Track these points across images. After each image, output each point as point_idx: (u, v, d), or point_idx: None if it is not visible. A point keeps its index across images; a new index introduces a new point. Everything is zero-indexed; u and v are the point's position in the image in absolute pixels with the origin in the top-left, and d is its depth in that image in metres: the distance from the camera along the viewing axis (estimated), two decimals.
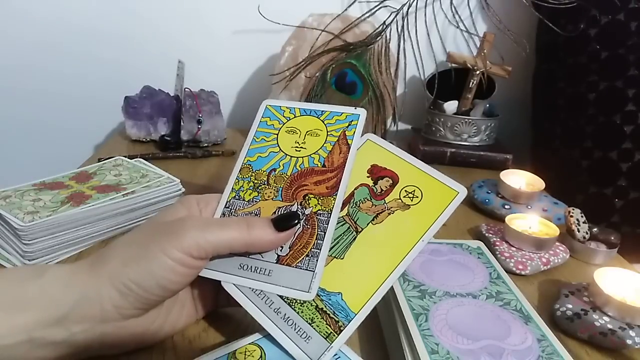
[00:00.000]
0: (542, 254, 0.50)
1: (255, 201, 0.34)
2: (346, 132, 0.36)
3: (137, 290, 0.28)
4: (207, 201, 0.35)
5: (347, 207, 0.34)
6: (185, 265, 0.29)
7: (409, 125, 0.97)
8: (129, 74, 0.95)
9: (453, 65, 0.86)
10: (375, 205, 0.34)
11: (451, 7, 0.88)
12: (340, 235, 0.33)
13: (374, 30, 0.76)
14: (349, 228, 0.33)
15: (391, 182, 0.35)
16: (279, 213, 0.33)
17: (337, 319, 0.30)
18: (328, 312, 0.30)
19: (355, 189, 0.35)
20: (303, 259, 0.31)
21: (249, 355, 0.32)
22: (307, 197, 0.33)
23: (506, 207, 0.61)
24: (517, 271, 0.48)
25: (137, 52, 0.95)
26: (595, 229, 0.55)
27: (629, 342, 0.37)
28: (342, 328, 0.30)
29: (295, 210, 0.33)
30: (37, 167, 1.01)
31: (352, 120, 0.37)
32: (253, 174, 0.35)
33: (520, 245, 0.50)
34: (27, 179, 0.51)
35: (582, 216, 0.55)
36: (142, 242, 0.30)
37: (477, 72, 0.83)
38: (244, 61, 0.97)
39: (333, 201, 0.33)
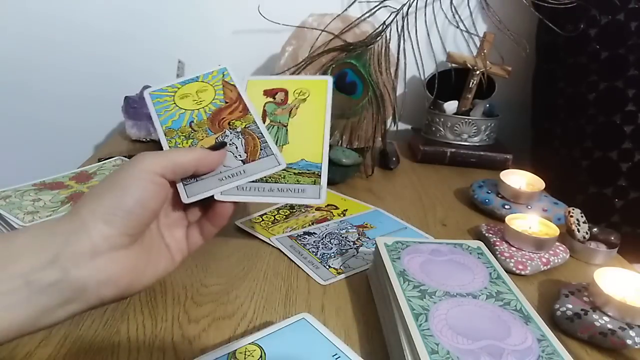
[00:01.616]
0: (542, 254, 0.50)
1: (194, 144, 0.41)
2: (224, 79, 0.45)
3: (119, 212, 0.31)
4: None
5: (267, 118, 0.44)
6: (154, 181, 0.33)
7: (409, 125, 0.97)
8: (129, 74, 0.95)
9: (453, 65, 0.86)
10: (284, 109, 0.45)
11: (451, 7, 0.88)
12: (276, 133, 0.44)
13: (374, 30, 0.76)
14: (278, 127, 0.44)
15: (284, 93, 0.46)
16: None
17: (312, 171, 0.41)
18: (303, 171, 0.41)
19: (264, 107, 0.45)
20: (259, 152, 0.41)
21: (249, 355, 0.32)
22: (231, 123, 0.42)
23: (506, 207, 0.61)
24: (517, 271, 0.48)
25: (137, 52, 0.95)
26: (595, 229, 0.55)
27: (629, 342, 0.37)
28: (319, 174, 0.41)
29: (223, 137, 0.42)
30: (37, 167, 1.01)
31: (224, 72, 0.46)
32: (177, 131, 0.42)
33: (520, 245, 0.50)
34: (27, 179, 0.51)
35: (582, 216, 0.55)
36: (110, 178, 0.33)
37: (477, 72, 0.83)
38: (244, 61, 0.97)
39: (251, 116, 0.43)
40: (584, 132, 0.79)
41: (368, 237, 0.53)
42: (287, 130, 0.44)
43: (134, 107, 0.81)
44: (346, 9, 0.87)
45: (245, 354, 0.32)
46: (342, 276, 0.46)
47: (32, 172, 0.59)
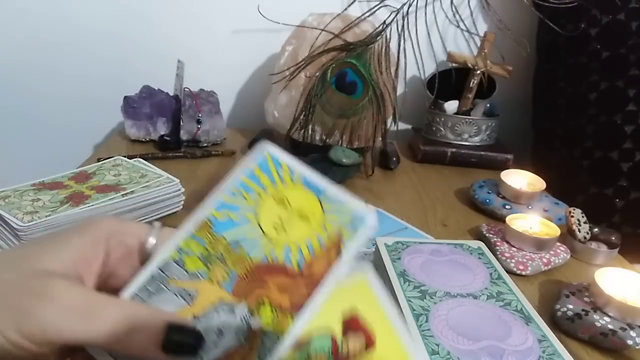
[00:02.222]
0: (542, 254, 0.49)
1: (198, 278, 0.26)
2: (343, 233, 0.27)
3: None
4: (124, 235, 0.26)
5: (295, 353, 0.25)
6: (22, 351, 0.21)
7: (410, 125, 0.97)
8: (129, 74, 0.95)
9: (453, 64, 0.86)
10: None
11: (451, 7, 0.88)
12: None
13: (374, 30, 0.76)
14: None
15: (364, 346, 0.26)
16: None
17: None
18: None
19: (316, 333, 0.26)
20: None
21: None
22: (261, 303, 0.26)
23: (507, 207, 0.61)
24: (518, 271, 0.48)
25: (137, 52, 0.95)
26: (596, 229, 0.55)
27: (629, 342, 0.37)
28: None
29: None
30: (36, 167, 1.01)
31: (356, 223, 0.27)
32: (210, 237, 0.27)
33: (521, 246, 0.50)
34: (26, 179, 0.51)
35: (582, 216, 0.55)
36: None
37: (478, 71, 0.83)
38: (244, 61, 0.97)
39: (290, 323, 0.25)
40: (585, 132, 0.79)
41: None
42: None
43: (133, 107, 0.81)
44: (346, 9, 0.87)
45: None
46: None
47: (32, 172, 0.58)
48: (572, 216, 0.54)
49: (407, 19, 0.81)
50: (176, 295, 0.25)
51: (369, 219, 0.27)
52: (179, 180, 0.54)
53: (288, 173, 0.29)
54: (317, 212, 0.28)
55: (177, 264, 0.26)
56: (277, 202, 0.28)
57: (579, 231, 0.53)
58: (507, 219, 0.53)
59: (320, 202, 0.28)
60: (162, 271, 0.26)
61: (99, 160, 0.62)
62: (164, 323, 0.23)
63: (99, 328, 0.21)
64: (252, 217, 0.28)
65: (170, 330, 0.22)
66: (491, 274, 0.40)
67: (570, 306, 0.41)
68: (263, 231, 0.27)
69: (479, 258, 0.42)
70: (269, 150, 0.29)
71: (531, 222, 0.53)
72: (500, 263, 0.43)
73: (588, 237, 0.54)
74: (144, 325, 0.22)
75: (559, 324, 0.41)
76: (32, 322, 0.21)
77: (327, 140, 0.73)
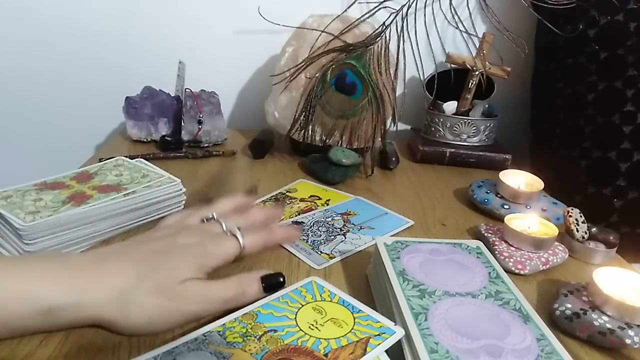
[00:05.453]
0: (541, 254, 0.50)
1: (233, 347, 0.31)
2: (371, 339, 0.31)
3: None
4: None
5: None
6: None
7: (409, 126, 0.97)
8: (130, 75, 0.95)
9: (452, 65, 0.86)
10: None
11: (450, 8, 0.88)
12: None
13: (374, 31, 0.76)
14: None
15: None
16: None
17: None
18: None
19: None
20: None
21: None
22: None
23: (505, 207, 0.61)
24: (516, 271, 0.48)
25: (138, 53, 0.95)
26: (594, 229, 0.55)
27: (627, 341, 0.37)
28: None
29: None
30: (38, 167, 1.01)
31: (385, 333, 0.32)
32: (253, 324, 0.33)
33: (520, 245, 0.51)
34: (28, 179, 0.51)
35: (581, 216, 0.55)
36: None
37: (477, 72, 0.83)
38: (245, 62, 0.98)
39: None
40: (583, 132, 0.80)
41: (353, 224, 0.56)
42: None
43: (135, 107, 0.81)
44: (346, 10, 0.88)
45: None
46: (334, 260, 0.48)
47: (33, 172, 0.59)
48: (571, 216, 0.54)
49: (407, 21, 0.81)
50: (211, 354, 0.30)
51: (397, 331, 0.32)
52: (180, 180, 0.54)
53: (328, 295, 0.36)
54: (349, 322, 0.33)
55: (219, 334, 0.32)
56: (315, 310, 0.34)
57: (577, 231, 0.54)
58: (506, 218, 0.53)
59: (354, 316, 0.34)
60: (204, 336, 0.32)
61: (100, 160, 0.62)
62: (259, 276, 0.37)
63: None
64: (292, 317, 0.33)
65: (265, 278, 0.36)
66: (490, 273, 0.40)
67: (569, 305, 0.41)
68: (299, 327, 0.32)
69: (478, 257, 0.42)
70: (315, 279, 0.38)
71: (529, 221, 0.53)
72: (498, 262, 0.44)
73: (586, 236, 0.54)
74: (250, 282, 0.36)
75: (557, 323, 0.41)
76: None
77: (327, 140, 0.74)
